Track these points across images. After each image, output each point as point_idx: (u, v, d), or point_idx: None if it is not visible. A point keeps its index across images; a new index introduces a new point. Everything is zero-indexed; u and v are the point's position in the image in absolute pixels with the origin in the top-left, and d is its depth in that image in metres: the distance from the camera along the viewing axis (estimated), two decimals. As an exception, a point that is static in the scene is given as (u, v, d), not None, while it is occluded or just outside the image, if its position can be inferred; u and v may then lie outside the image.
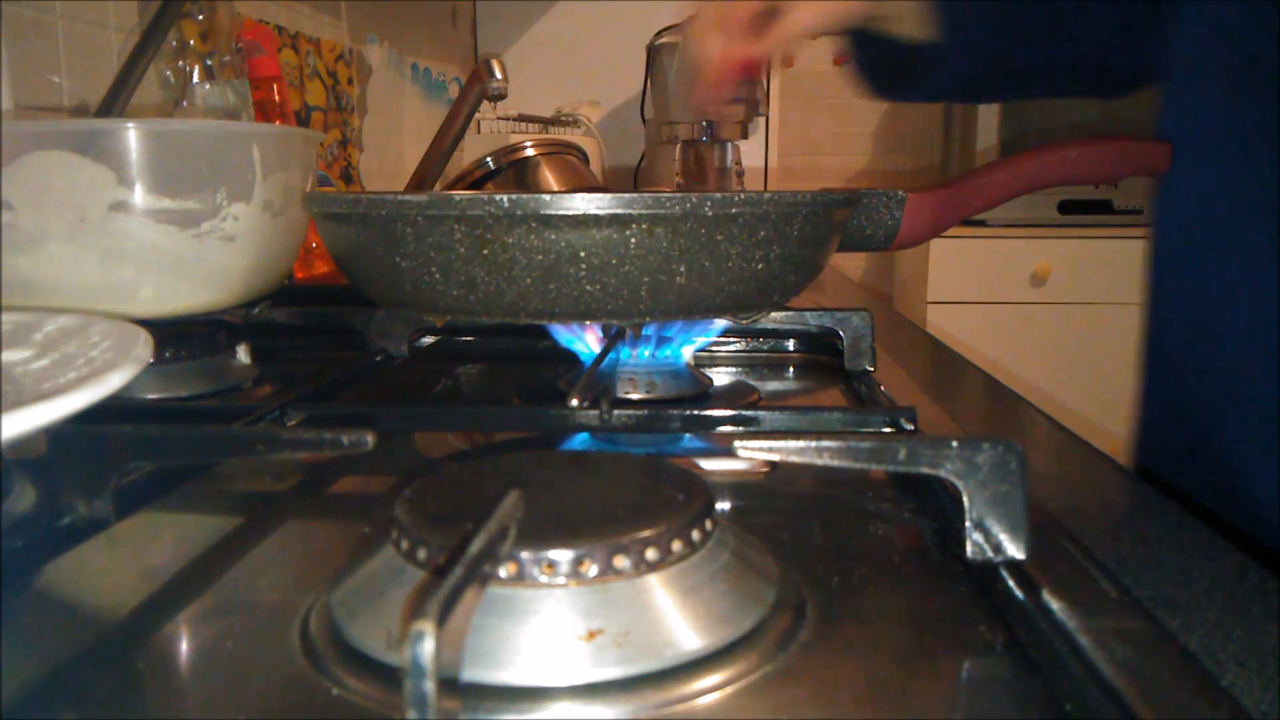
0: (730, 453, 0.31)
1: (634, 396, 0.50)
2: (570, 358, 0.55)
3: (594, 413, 0.42)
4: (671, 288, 0.40)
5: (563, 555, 0.24)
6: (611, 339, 0.48)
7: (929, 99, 0.70)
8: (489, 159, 1.21)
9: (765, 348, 0.67)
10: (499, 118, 1.70)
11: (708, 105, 0.61)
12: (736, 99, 0.60)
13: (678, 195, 0.38)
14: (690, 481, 0.29)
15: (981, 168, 0.61)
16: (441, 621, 0.18)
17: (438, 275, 0.40)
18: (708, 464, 0.43)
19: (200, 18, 0.83)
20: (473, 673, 0.23)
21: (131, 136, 0.49)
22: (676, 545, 0.25)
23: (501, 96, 1.02)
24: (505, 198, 0.37)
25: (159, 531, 0.35)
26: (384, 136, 1.53)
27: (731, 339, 0.67)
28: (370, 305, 0.60)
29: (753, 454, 0.31)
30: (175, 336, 0.54)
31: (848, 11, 0.61)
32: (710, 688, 0.23)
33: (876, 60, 0.68)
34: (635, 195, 0.37)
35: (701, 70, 0.60)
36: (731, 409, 0.44)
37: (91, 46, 0.84)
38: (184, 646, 0.27)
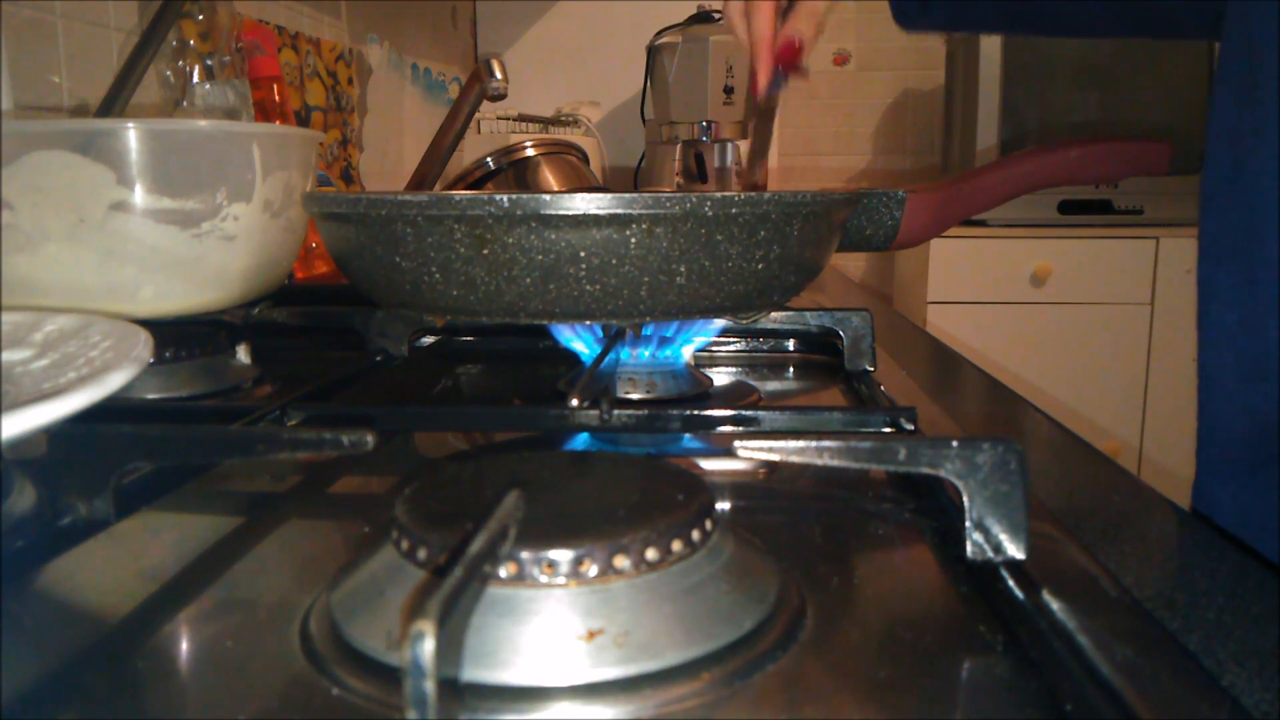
0: (730, 453, 0.31)
1: (634, 396, 0.50)
2: (570, 358, 0.55)
3: (594, 413, 0.42)
4: (671, 288, 0.40)
5: (563, 555, 0.24)
6: (611, 339, 0.48)
7: (967, 27, 0.70)
8: (489, 159, 1.22)
9: (765, 348, 0.67)
10: (499, 118, 1.70)
11: (764, 86, 0.61)
12: (781, 82, 0.62)
13: (678, 195, 0.38)
14: (690, 481, 0.29)
15: (981, 168, 0.61)
16: (441, 621, 0.18)
17: (438, 275, 0.40)
18: (708, 464, 0.43)
19: (200, 18, 0.83)
20: (473, 673, 0.23)
21: (131, 136, 0.49)
22: (676, 545, 0.25)
23: (501, 96, 1.02)
24: (505, 198, 0.37)
25: (159, 531, 0.35)
26: (384, 136, 1.53)
27: (731, 339, 0.67)
28: (370, 305, 0.60)
29: (753, 454, 0.31)
30: (175, 336, 0.54)
31: None
32: (710, 688, 0.23)
33: None
34: (635, 195, 0.37)
35: (754, 52, 0.61)
36: (731, 409, 0.44)
37: (91, 46, 0.83)
38: (184, 646, 0.27)
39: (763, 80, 0.61)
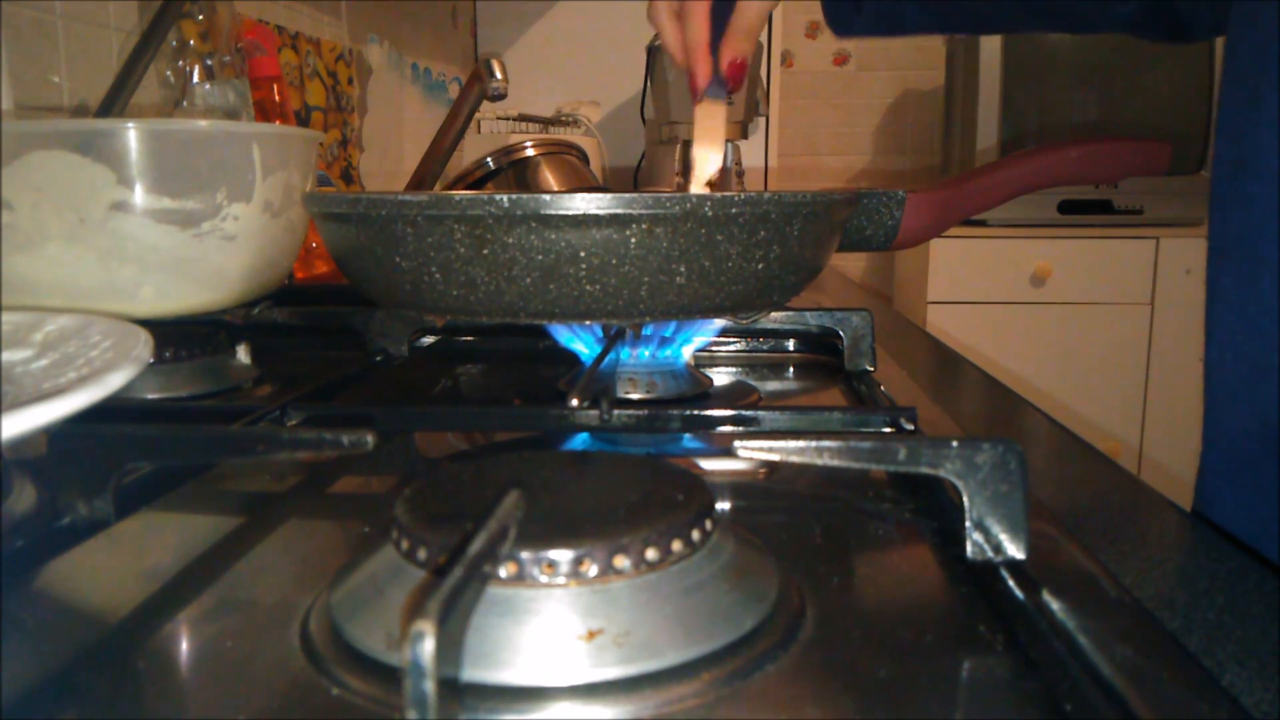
0: (730, 453, 0.31)
1: (634, 396, 0.50)
2: (570, 358, 0.55)
3: (594, 413, 0.42)
4: (671, 288, 0.40)
5: (563, 555, 0.24)
6: (611, 339, 0.48)
7: (921, 30, 0.70)
8: (489, 159, 1.22)
9: (765, 348, 0.67)
10: (499, 118, 1.70)
11: (701, 89, 0.60)
12: (721, 86, 0.61)
13: (678, 195, 0.38)
14: (690, 481, 0.29)
15: (981, 168, 0.61)
16: (441, 621, 0.18)
17: (438, 275, 0.40)
18: (708, 464, 0.43)
19: (200, 18, 0.83)
20: (473, 673, 0.23)
21: (131, 136, 0.49)
22: (676, 545, 0.25)
23: (501, 96, 1.03)
24: (505, 198, 0.37)
25: (159, 531, 0.35)
26: (384, 136, 1.53)
27: (731, 339, 0.67)
28: (370, 305, 0.60)
29: (753, 454, 0.31)
30: (175, 336, 0.54)
31: None
32: (710, 688, 0.23)
33: None
34: (635, 195, 0.37)
35: (690, 56, 0.59)
36: (731, 409, 0.44)
37: (91, 46, 0.84)
38: (184, 646, 0.27)
39: (701, 83, 0.61)
